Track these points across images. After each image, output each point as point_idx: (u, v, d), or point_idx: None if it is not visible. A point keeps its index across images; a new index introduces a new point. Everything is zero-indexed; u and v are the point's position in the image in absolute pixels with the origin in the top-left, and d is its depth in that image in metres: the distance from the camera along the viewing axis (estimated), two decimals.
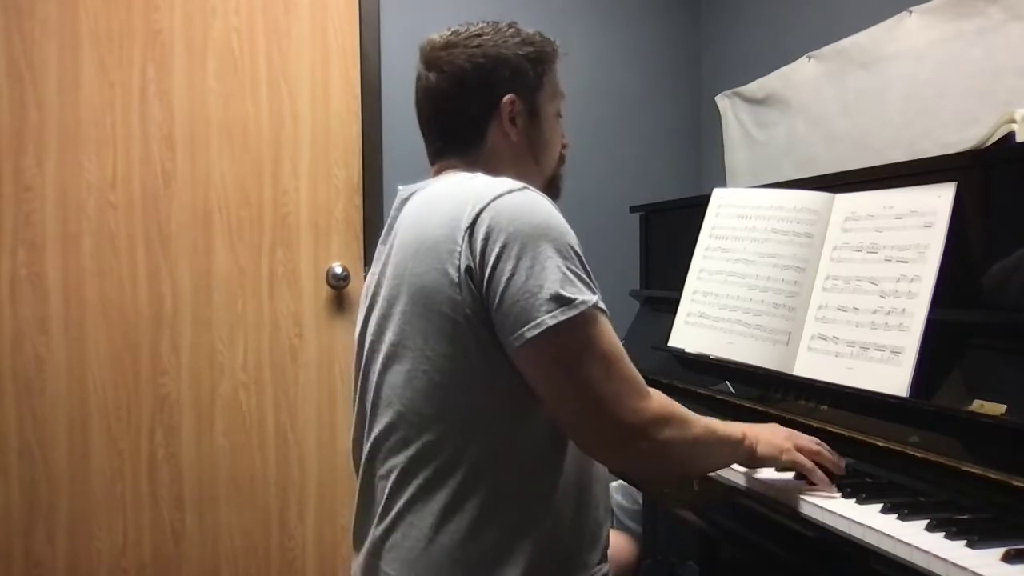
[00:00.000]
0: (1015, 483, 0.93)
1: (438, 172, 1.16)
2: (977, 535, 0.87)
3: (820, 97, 2.06)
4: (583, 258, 0.98)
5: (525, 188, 1.00)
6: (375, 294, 1.10)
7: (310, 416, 2.27)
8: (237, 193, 2.20)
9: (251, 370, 2.21)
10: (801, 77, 2.12)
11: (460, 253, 0.95)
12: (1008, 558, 0.82)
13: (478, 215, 0.96)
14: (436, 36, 1.15)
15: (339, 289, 2.28)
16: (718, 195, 1.65)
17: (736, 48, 2.50)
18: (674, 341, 1.62)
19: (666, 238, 2.07)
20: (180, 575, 2.16)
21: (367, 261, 2.29)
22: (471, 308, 0.95)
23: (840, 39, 1.97)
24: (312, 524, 2.28)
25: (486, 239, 0.94)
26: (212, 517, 2.19)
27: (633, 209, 2.17)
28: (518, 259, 0.93)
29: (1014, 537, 0.87)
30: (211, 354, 2.18)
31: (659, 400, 0.97)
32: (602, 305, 0.96)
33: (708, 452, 1.04)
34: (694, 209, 1.71)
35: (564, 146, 1.23)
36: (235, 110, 2.19)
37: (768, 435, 1.09)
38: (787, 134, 2.20)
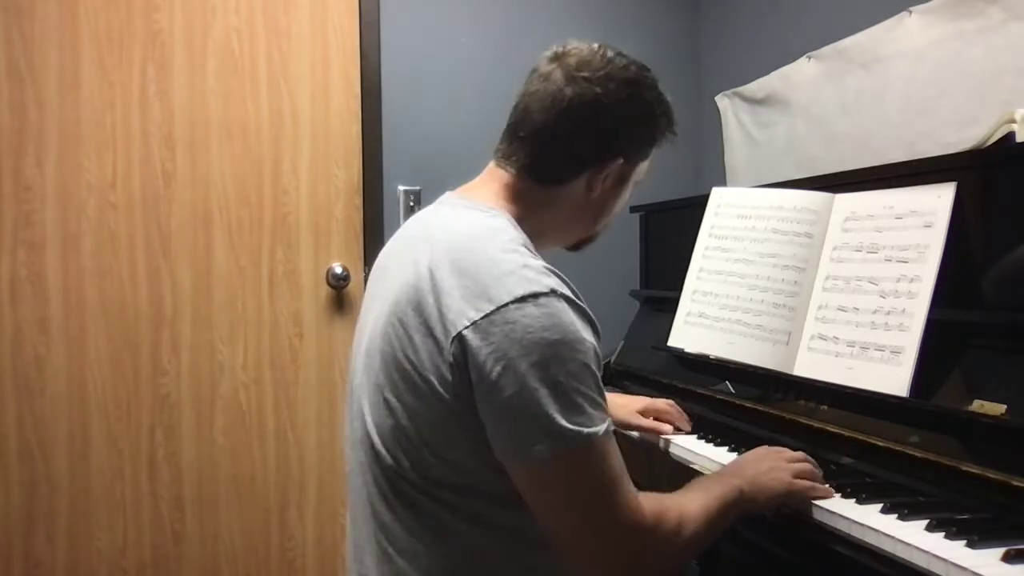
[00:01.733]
0: (1015, 483, 0.93)
1: (486, 181, 1.07)
2: (977, 535, 0.87)
3: (820, 97, 2.06)
4: (597, 375, 0.91)
5: (551, 294, 0.89)
6: (380, 301, 1.02)
7: (310, 416, 2.27)
8: (237, 193, 2.19)
9: (251, 370, 2.21)
10: (801, 77, 2.12)
11: (458, 338, 0.88)
12: (1008, 558, 0.83)
13: (491, 312, 0.87)
14: (586, 48, 1.03)
15: (339, 289, 2.28)
16: (717, 195, 1.65)
17: (736, 48, 2.50)
18: (674, 341, 1.62)
19: (666, 238, 2.07)
20: (180, 575, 2.16)
21: (367, 261, 2.29)
22: (457, 391, 0.89)
23: (840, 39, 1.97)
24: (312, 524, 2.28)
25: (491, 346, 0.86)
26: (212, 517, 2.19)
27: (633, 209, 2.17)
28: (523, 379, 0.85)
29: (1014, 537, 0.87)
30: (211, 354, 2.18)
31: (657, 512, 0.92)
32: (609, 429, 0.90)
33: (711, 531, 0.98)
34: (694, 209, 1.71)
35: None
36: (235, 110, 2.19)
37: (765, 479, 1.05)
38: (787, 134, 2.20)
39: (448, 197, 1.09)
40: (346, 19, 2.27)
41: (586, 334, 0.90)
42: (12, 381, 2.03)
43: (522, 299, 0.87)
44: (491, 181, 1.06)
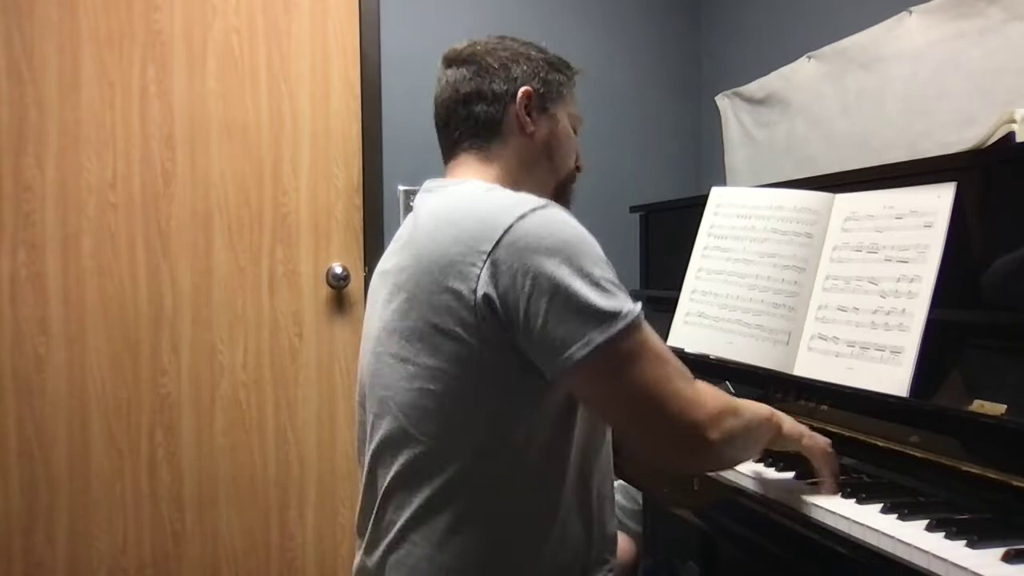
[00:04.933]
0: (1015, 483, 0.93)
1: (452, 171, 1.15)
2: (977, 535, 0.87)
3: (820, 97, 2.06)
4: (611, 265, 0.96)
5: (548, 204, 0.96)
6: (386, 294, 1.06)
7: (310, 416, 2.27)
8: (237, 193, 2.20)
9: (251, 370, 2.21)
10: (801, 77, 2.12)
11: (479, 277, 0.92)
12: (1008, 558, 0.82)
13: (500, 239, 0.92)
14: (457, 44, 1.19)
15: (339, 289, 2.28)
16: (716, 194, 1.65)
17: (736, 48, 2.50)
18: (673, 341, 1.62)
19: (666, 238, 2.07)
20: (180, 575, 2.17)
21: (367, 261, 2.29)
22: (487, 332, 0.93)
23: (840, 39, 1.97)
24: (312, 524, 2.28)
25: (514, 267, 0.91)
26: (212, 517, 2.19)
27: (633, 209, 2.17)
28: (554, 282, 0.89)
29: (1014, 537, 0.87)
30: (211, 354, 2.18)
31: (711, 389, 0.97)
32: (641, 310, 0.94)
33: (758, 434, 1.02)
34: (694, 209, 1.71)
35: (579, 166, 1.24)
36: (235, 110, 2.19)
37: (789, 418, 1.10)
38: (787, 134, 2.20)
39: (423, 188, 1.15)
40: (346, 19, 2.27)
41: (588, 233, 0.95)
42: (12, 381, 2.03)
43: (522, 216, 0.93)
44: (452, 169, 1.16)
